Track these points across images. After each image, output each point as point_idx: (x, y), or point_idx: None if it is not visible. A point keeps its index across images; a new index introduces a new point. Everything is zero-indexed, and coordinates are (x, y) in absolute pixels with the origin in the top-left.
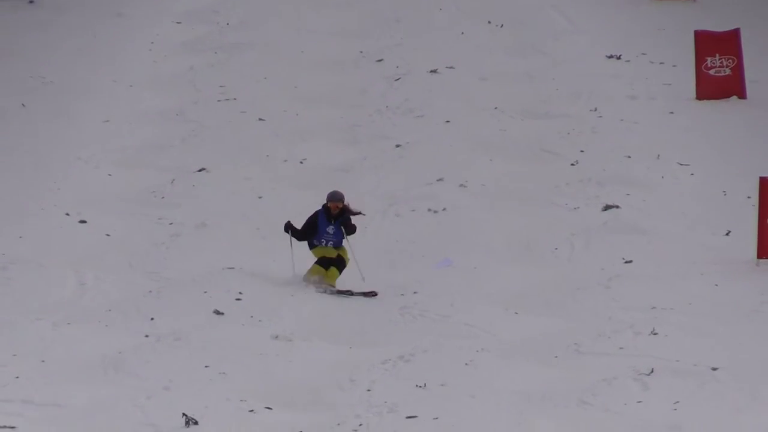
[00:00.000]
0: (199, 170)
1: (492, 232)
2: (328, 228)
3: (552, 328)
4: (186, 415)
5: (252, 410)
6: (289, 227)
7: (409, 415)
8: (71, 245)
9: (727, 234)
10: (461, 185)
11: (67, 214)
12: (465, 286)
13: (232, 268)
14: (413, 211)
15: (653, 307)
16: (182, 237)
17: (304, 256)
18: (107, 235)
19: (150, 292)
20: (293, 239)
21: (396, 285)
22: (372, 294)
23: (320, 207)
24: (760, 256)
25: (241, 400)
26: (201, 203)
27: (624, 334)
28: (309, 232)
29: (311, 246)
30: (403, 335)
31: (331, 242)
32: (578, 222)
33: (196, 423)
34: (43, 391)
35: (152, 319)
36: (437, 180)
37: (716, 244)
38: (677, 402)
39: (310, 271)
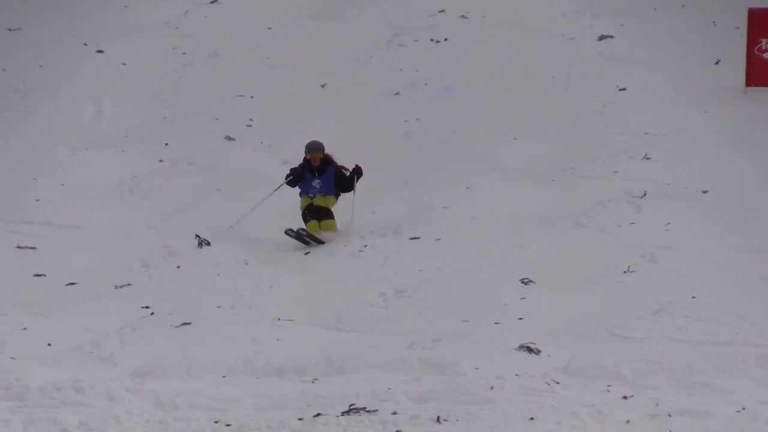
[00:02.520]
0: (212, 2)
1: (492, 61)
2: (313, 182)
3: (549, 153)
4: (199, 237)
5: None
6: (291, 175)
7: (412, 236)
8: (89, 74)
9: (716, 63)
10: (462, 16)
11: (85, 44)
12: (466, 112)
13: (243, 95)
14: (416, 41)
15: (646, 133)
16: (195, 66)
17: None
18: (123, 64)
19: (164, 118)
20: (285, 185)
21: (399, 112)
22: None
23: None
24: (748, 84)
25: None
26: (213, 34)
27: (618, 159)
28: (298, 179)
29: (300, 194)
30: (406, 160)
31: (319, 197)
32: (574, 51)
33: (208, 244)
34: (62, 213)
35: (166, 144)
36: (439, 11)
37: (706, 73)
38: (669, 223)
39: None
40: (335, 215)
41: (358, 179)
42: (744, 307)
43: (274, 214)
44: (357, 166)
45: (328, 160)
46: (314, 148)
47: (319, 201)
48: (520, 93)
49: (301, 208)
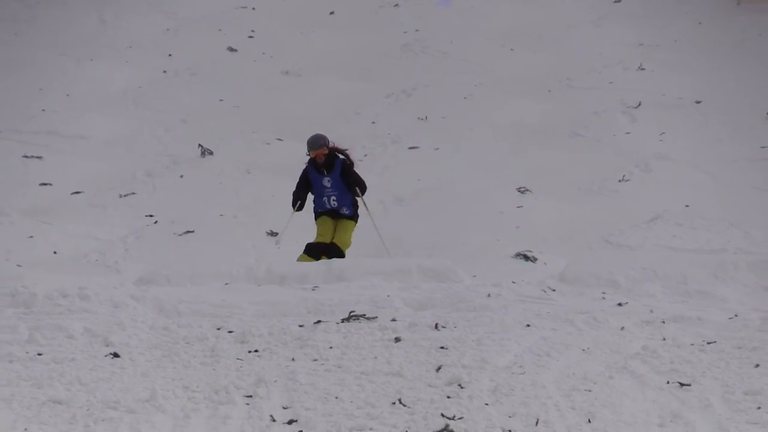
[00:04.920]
0: None
1: None
2: (323, 181)
3: (545, 64)
4: (202, 146)
5: (268, 143)
6: (296, 201)
7: (411, 145)
8: None
9: None
10: None
11: None
12: (463, 24)
13: (245, 7)
14: None
15: (641, 44)
16: None
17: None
18: None
19: (168, 29)
20: (294, 213)
21: (398, 23)
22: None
23: (306, 163)
24: None
25: (254, 132)
26: None
27: (613, 70)
28: (306, 190)
29: (316, 215)
30: (405, 71)
31: (333, 197)
32: None
33: (211, 153)
34: (67, 123)
35: (170, 55)
36: None
37: None
38: (663, 133)
39: (300, 259)
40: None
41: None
42: (736, 216)
43: (274, 126)
44: (359, 184)
45: (333, 154)
46: (316, 143)
47: (341, 230)
48: (517, 4)
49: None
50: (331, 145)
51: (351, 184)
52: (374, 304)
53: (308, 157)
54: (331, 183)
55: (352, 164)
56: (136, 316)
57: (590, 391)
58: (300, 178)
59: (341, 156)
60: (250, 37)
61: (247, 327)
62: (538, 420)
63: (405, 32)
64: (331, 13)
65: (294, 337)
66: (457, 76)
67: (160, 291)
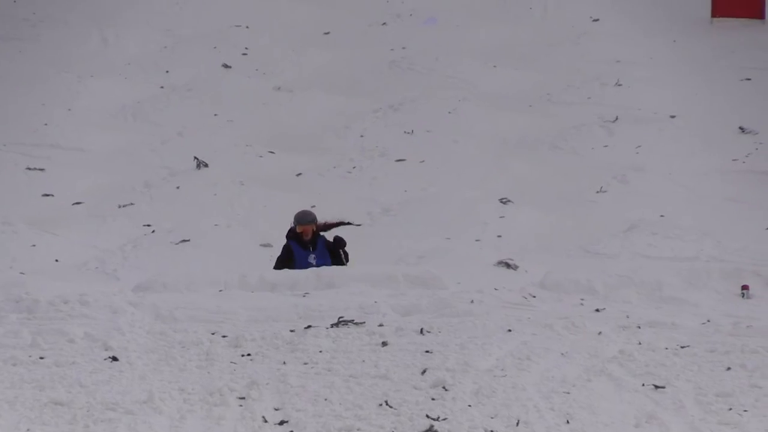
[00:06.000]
0: None
1: None
2: (309, 258)
3: (526, 80)
4: (197, 159)
5: (261, 156)
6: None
7: (398, 158)
8: (94, 5)
9: None
10: None
11: None
12: (448, 42)
13: (239, 25)
14: None
15: (618, 61)
16: None
17: None
18: None
19: (165, 47)
20: None
21: (386, 41)
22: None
23: (287, 238)
24: (714, 14)
25: (247, 145)
26: None
27: (591, 85)
28: (288, 267)
29: None
30: (392, 87)
31: None
32: None
33: (206, 165)
34: (69, 136)
35: (167, 71)
36: None
37: (674, 4)
38: (639, 146)
39: None
40: None
41: (346, 256)
42: (709, 225)
43: (265, 138)
44: (337, 238)
45: (319, 232)
46: (305, 219)
47: None
48: (500, 22)
49: None
50: (320, 222)
51: (338, 256)
52: (362, 310)
53: (291, 232)
54: (316, 260)
55: (340, 241)
56: (134, 322)
57: (569, 393)
58: (282, 254)
59: (322, 234)
60: (244, 54)
61: (240, 332)
62: (518, 421)
63: (392, 50)
64: (327, 33)
65: (285, 341)
66: (442, 92)
67: (157, 297)
